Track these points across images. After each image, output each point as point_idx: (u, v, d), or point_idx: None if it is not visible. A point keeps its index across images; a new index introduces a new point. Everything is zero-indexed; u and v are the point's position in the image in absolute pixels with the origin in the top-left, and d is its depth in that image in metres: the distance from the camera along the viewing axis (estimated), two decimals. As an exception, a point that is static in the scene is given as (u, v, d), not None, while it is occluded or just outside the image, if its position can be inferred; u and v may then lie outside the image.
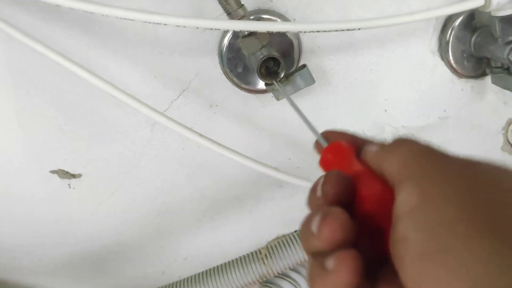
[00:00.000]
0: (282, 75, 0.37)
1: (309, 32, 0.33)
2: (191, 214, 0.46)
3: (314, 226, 0.19)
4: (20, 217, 0.45)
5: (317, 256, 0.20)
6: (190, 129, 0.35)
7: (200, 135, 0.35)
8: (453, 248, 0.16)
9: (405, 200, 0.18)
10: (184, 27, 0.32)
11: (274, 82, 0.37)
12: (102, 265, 0.48)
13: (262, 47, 0.35)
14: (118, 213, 0.46)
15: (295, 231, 0.41)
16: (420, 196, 0.18)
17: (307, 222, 0.20)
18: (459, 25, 0.42)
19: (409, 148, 0.20)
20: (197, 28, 0.37)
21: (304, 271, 0.46)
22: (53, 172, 0.43)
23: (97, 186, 0.44)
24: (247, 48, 0.35)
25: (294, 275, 0.45)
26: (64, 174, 0.43)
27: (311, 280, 0.19)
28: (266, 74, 0.37)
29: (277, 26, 0.33)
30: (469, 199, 0.17)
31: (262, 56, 0.35)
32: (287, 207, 0.47)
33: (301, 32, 0.36)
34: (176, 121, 0.35)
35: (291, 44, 0.40)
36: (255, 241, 0.47)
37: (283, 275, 0.45)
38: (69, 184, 0.44)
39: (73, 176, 0.43)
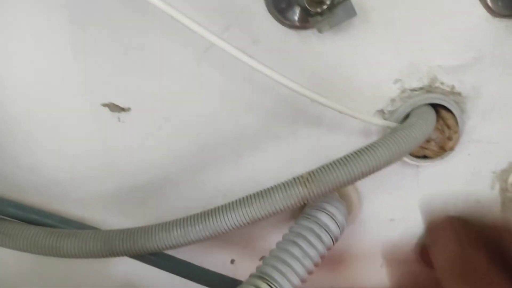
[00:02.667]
0: (327, 5, 0.38)
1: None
2: (232, 150, 0.48)
3: None
4: (71, 151, 0.47)
5: None
6: (245, 53, 0.37)
7: (254, 59, 0.37)
8: None
9: None
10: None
11: (318, 11, 0.39)
12: (146, 199, 0.50)
13: (310, -25, 0.37)
14: (163, 147, 0.48)
15: (332, 161, 0.42)
16: None
17: None
18: (495, -36, 0.43)
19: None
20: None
21: (340, 206, 0.48)
22: (104, 105, 0.45)
23: (145, 120, 0.46)
24: (296, -24, 0.37)
25: (330, 208, 0.47)
26: (115, 107, 0.45)
27: None
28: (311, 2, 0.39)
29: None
30: None
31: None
32: (323, 145, 0.49)
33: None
34: (233, 44, 0.37)
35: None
36: (292, 176, 0.49)
37: (321, 208, 0.47)
38: (118, 118, 0.46)
39: (123, 109, 0.46)
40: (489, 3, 0.45)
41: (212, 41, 0.37)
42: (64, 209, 0.49)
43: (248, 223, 0.42)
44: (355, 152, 0.41)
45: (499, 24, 0.46)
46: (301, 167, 0.49)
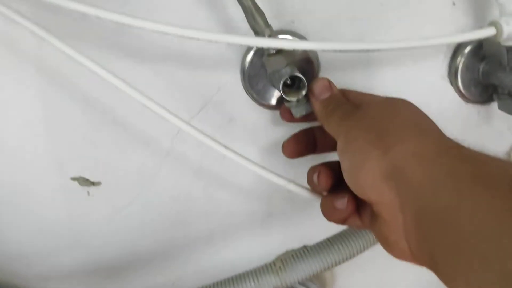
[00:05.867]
0: (304, 93, 0.38)
1: (332, 51, 0.35)
2: (204, 225, 0.47)
3: (315, 179, 0.34)
4: (37, 224, 0.46)
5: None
6: (213, 138, 0.37)
7: (221, 144, 0.37)
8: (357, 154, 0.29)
9: (338, 147, 0.31)
10: (215, 42, 0.34)
11: (295, 99, 0.39)
12: (115, 274, 0.48)
13: (287, 65, 0.37)
14: (134, 222, 0.46)
15: (304, 246, 0.42)
16: (344, 143, 0.31)
17: (310, 177, 0.36)
18: (468, 52, 0.44)
19: (339, 115, 0.33)
20: (228, 44, 0.39)
21: (313, 287, 0.47)
22: (74, 179, 0.44)
23: (115, 195, 0.45)
24: (273, 66, 0.37)
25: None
26: (85, 182, 0.44)
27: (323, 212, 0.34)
28: (287, 91, 0.39)
29: (303, 44, 0.35)
30: (367, 125, 0.30)
31: (286, 73, 0.37)
32: (297, 223, 0.49)
33: (325, 50, 0.38)
34: (200, 129, 0.36)
35: (310, 65, 0.42)
36: (265, 255, 0.48)
37: (293, 288, 0.46)
38: (88, 192, 0.45)
39: (93, 183, 0.44)
40: (462, 90, 0.46)
41: (180, 127, 0.36)
42: (28, 285, 0.47)
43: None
44: (329, 240, 0.41)
45: (472, 109, 0.47)
46: (276, 245, 0.49)
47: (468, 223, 0.21)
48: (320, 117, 0.36)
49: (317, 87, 0.37)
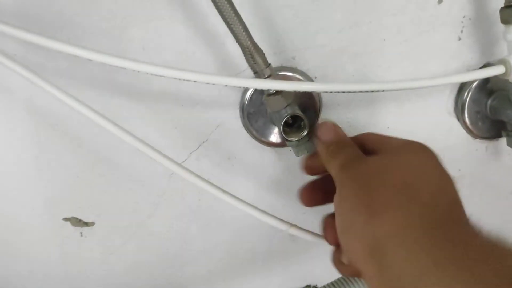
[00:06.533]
0: (305, 133, 0.37)
1: (334, 92, 0.34)
2: (203, 266, 0.46)
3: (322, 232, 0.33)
4: (28, 265, 0.44)
5: None
6: (207, 181, 0.35)
7: (217, 187, 0.35)
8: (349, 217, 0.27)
9: (334, 198, 0.29)
10: (212, 84, 0.32)
11: (296, 139, 0.37)
12: (108, 317, 0.46)
13: (287, 105, 0.36)
14: (129, 263, 0.45)
15: (308, 286, 0.40)
16: (339, 196, 0.28)
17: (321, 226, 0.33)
18: (475, 88, 0.43)
19: (340, 159, 0.30)
20: (226, 86, 0.38)
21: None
22: (66, 219, 0.42)
23: (109, 235, 0.43)
24: (273, 106, 0.36)
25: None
26: (77, 222, 0.42)
27: None
28: (288, 131, 0.37)
29: (304, 86, 0.34)
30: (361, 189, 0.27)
31: (286, 114, 0.36)
32: (299, 262, 0.47)
33: (327, 92, 0.37)
34: (194, 172, 0.35)
35: (312, 100, 0.41)
36: (266, 296, 0.46)
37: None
38: (81, 232, 0.43)
39: (86, 224, 0.43)
40: (469, 125, 0.44)
41: (172, 170, 0.35)
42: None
43: None
44: (332, 284, 0.39)
45: (480, 145, 0.45)
46: (277, 285, 0.47)
47: None
48: (323, 158, 0.34)
49: (321, 127, 0.34)
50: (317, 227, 0.43)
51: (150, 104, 0.40)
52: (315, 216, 0.44)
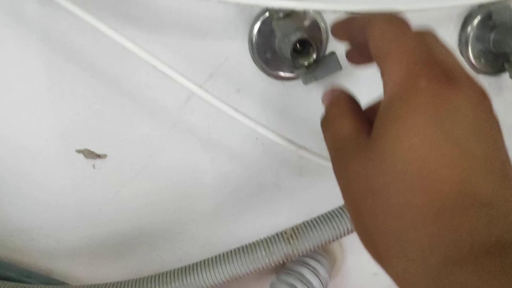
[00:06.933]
0: (313, 58, 0.38)
1: (344, 11, 0.35)
2: (212, 200, 0.47)
3: None
4: (41, 197, 0.45)
5: None
6: (226, 103, 0.36)
7: (235, 109, 0.36)
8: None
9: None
10: (224, 2, 0.33)
11: (305, 64, 0.38)
12: (120, 249, 0.47)
13: (297, 28, 0.37)
14: (140, 196, 0.46)
15: (316, 216, 0.41)
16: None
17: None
18: (478, 23, 0.44)
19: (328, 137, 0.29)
20: (238, 4, 0.38)
21: (323, 260, 0.46)
22: (79, 151, 0.43)
23: (121, 168, 0.44)
24: (283, 29, 0.36)
25: (313, 263, 0.45)
26: (90, 154, 0.43)
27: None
28: (297, 55, 0.38)
29: (315, 5, 0.35)
30: None
31: (295, 37, 0.37)
32: (306, 198, 0.48)
33: (337, 10, 0.37)
34: (212, 93, 0.36)
35: (319, 29, 0.42)
36: (273, 230, 0.47)
37: (303, 263, 0.45)
38: (93, 165, 0.44)
39: (99, 156, 0.44)
40: (472, 60, 0.45)
41: (192, 91, 0.36)
42: (29, 260, 0.46)
43: (228, 280, 0.39)
44: (341, 207, 0.40)
45: (482, 80, 0.46)
46: (284, 220, 0.48)
47: None
48: None
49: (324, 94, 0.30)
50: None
51: (160, 35, 0.41)
52: (320, 149, 0.45)
